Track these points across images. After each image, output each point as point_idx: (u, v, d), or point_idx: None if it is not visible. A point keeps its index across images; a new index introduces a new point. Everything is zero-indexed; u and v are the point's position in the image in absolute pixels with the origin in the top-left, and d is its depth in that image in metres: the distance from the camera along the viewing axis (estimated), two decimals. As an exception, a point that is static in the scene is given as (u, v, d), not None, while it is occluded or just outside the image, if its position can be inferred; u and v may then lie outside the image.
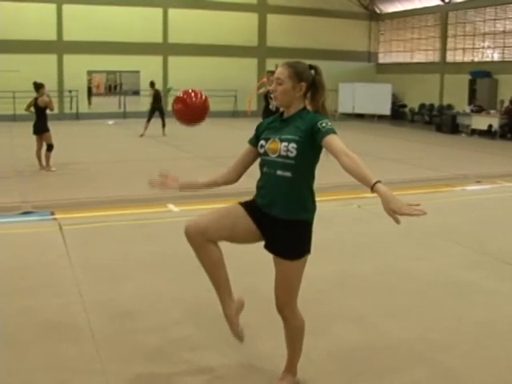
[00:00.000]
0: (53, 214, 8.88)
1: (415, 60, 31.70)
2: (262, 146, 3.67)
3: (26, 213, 8.99)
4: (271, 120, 3.79)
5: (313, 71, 3.68)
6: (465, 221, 8.90)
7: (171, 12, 29.26)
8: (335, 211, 9.29)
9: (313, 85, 3.66)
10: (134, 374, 4.08)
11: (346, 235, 7.94)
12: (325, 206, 9.63)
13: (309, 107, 3.68)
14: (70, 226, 8.09)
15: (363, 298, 5.66)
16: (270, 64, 30.22)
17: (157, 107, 20.63)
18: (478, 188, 11.64)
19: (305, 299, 5.51)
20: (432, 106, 29.22)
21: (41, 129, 12.77)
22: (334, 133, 3.48)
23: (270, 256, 3.71)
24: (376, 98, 29.79)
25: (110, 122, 23.50)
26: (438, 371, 4.19)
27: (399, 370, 4.20)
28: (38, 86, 12.75)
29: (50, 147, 12.77)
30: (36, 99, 12.72)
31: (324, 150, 3.52)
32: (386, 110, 30.06)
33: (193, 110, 3.85)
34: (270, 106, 14.98)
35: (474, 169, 13.71)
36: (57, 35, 27.74)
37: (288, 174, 3.54)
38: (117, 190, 10.66)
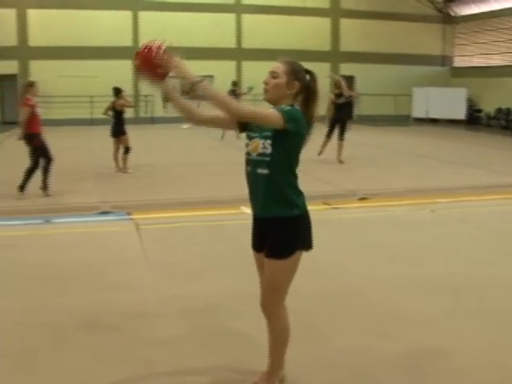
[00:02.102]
0: (129, 214, 9.17)
1: (492, 63, 31.00)
2: (246, 145, 3.70)
3: (104, 212, 9.31)
4: None
5: (308, 76, 3.68)
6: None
7: (244, 17, 29.60)
8: (408, 215, 9.25)
9: (307, 89, 3.65)
10: (209, 365, 4.25)
11: (418, 239, 7.89)
12: (397, 210, 9.64)
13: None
14: (146, 225, 8.36)
15: (432, 300, 5.64)
16: (344, 68, 30.23)
17: None
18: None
19: (373, 301, 5.59)
20: (509, 110, 28.52)
21: (118, 132, 13.16)
22: (280, 111, 3.45)
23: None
24: (450, 102, 29.28)
25: (185, 125, 23.83)
26: (507, 375, 4.18)
27: (468, 372, 4.20)
28: (118, 91, 13.17)
29: (127, 150, 13.16)
30: (114, 103, 13.13)
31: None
32: (461, 114, 29.50)
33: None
34: (338, 101, 15.10)
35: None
36: (132, 41, 28.44)
37: (265, 171, 3.55)
38: (191, 191, 10.88)
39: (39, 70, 26.32)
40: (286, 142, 3.51)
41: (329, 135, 15.20)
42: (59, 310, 5.31)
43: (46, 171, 10.51)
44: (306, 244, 3.68)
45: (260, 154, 3.56)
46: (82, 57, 27.21)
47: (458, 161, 15.74)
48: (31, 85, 10.50)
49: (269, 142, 3.52)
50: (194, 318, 5.15)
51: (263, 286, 3.75)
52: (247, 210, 9.40)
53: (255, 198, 3.68)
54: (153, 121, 28.19)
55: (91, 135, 21.58)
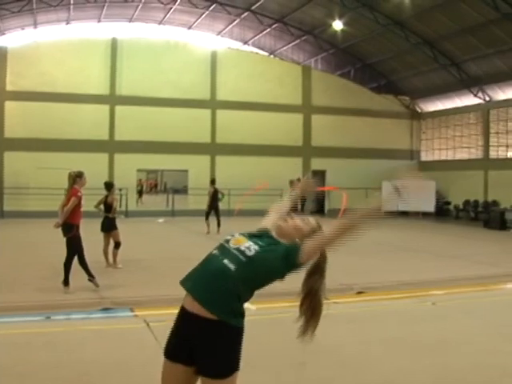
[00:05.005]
0: (132, 310, 9.03)
1: (458, 157, 31.98)
2: (231, 234, 3.53)
3: (105, 309, 9.14)
4: None
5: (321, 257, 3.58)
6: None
7: (219, 113, 30.20)
8: (411, 309, 9.29)
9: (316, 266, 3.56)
10: None
11: (431, 331, 7.88)
12: (398, 304, 9.68)
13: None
14: (156, 322, 8.16)
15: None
16: (315, 163, 30.90)
17: (213, 206, 20.80)
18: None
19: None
20: (477, 202, 29.27)
21: (109, 227, 13.03)
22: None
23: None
24: (420, 195, 29.76)
25: (160, 219, 23.91)
26: None
27: None
28: (110, 186, 13.17)
29: (117, 244, 12.97)
30: (106, 197, 13.07)
31: None
32: (430, 207, 30.06)
33: None
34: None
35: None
36: (109, 135, 28.75)
37: (232, 267, 3.27)
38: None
39: (14, 162, 26.38)
40: (272, 266, 3.33)
41: None
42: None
43: (82, 263, 10.47)
44: (239, 363, 3.30)
45: (238, 250, 3.33)
46: (58, 149, 27.34)
47: (441, 253, 15.96)
48: (80, 175, 10.55)
49: (256, 248, 3.33)
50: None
51: None
52: (251, 307, 9.33)
53: (202, 288, 3.34)
54: (127, 214, 28.12)
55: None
